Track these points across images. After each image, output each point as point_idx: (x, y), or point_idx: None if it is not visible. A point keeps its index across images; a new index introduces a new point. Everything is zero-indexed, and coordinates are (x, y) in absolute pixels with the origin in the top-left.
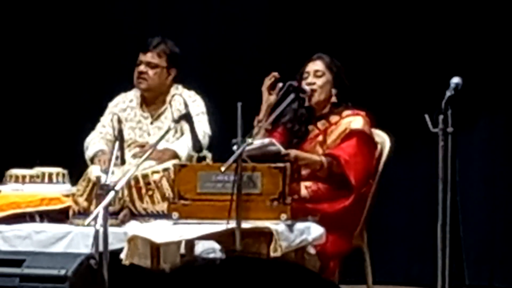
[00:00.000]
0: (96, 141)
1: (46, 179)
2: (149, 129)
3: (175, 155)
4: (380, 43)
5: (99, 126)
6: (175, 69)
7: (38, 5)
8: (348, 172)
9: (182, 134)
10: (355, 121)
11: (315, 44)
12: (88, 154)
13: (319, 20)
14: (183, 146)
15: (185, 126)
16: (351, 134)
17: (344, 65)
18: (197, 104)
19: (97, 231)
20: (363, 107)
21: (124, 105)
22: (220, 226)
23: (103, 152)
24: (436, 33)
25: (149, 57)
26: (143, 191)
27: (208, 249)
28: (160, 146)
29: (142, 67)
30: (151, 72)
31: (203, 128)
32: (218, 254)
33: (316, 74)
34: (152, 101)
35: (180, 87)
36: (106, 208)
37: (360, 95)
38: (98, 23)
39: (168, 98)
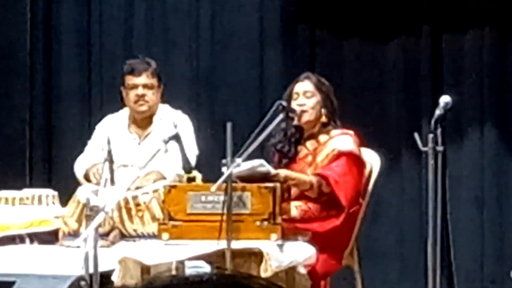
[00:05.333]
0: (86, 162)
1: (36, 201)
2: (137, 150)
3: (161, 176)
4: (370, 61)
5: (88, 149)
6: (162, 86)
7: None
8: (337, 192)
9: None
10: (343, 141)
11: (303, 64)
12: (81, 172)
13: (309, 39)
14: (170, 168)
15: (171, 146)
16: (340, 154)
17: (333, 84)
18: (184, 124)
19: (87, 253)
20: (352, 126)
21: (112, 127)
22: (210, 246)
23: (96, 165)
24: (426, 51)
25: (144, 79)
26: (133, 212)
27: (197, 265)
28: (146, 169)
29: (140, 90)
30: (149, 93)
31: (191, 148)
32: (207, 270)
33: (306, 95)
34: (142, 122)
35: (167, 106)
36: (96, 230)
37: (349, 114)
38: (85, 44)
39: (155, 118)
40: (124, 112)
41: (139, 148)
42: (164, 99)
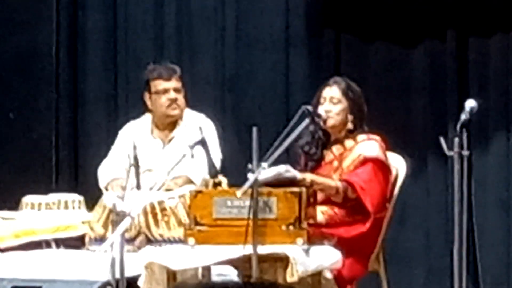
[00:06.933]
0: (109, 170)
1: (62, 206)
2: (161, 154)
3: (189, 181)
4: (395, 65)
5: (111, 155)
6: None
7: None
8: (364, 199)
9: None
10: (369, 146)
11: (329, 68)
12: (102, 182)
13: (334, 43)
14: (197, 173)
15: (197, 150)
16: (365, 160)
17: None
18: (208, 128)
19: (113, 258)
20: (378, 130)
21: (135, 133)
22: (236, 251)
23: (117, 179)
24: (452, 55)
25: (174, 83)
26: (159, 217)
27: (223, 273)
28: (173, 173)
29: (173, 94)
30: (179, 97)
31: (216, 153)
32: (234, 278)
33: (332, 101)
34: (167, 127)
35: (189, 110)
36: (122, 235)
37: (374, 118)
38: (111, 48)
39: (179, 122)
40: (146, 118)
41: (163, 152)
42: (189, 103)
